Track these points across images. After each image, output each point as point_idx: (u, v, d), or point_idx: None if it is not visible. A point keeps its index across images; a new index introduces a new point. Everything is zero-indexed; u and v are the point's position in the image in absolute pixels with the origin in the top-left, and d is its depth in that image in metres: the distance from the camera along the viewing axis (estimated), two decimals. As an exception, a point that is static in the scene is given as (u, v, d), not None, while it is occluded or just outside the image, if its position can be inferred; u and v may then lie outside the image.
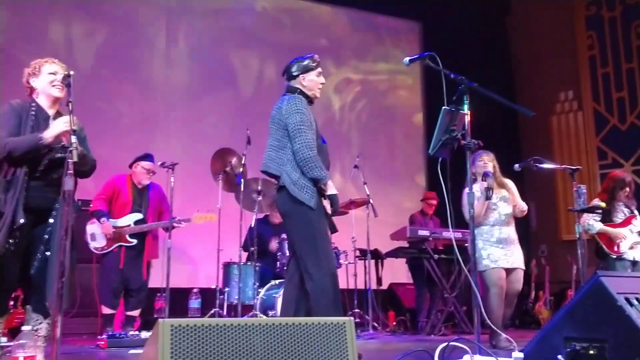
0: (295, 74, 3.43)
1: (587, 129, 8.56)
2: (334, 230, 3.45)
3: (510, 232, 4.55)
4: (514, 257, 4.50)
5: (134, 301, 5.09)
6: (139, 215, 5.16)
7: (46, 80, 3.25)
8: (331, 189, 3.35)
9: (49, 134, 3.01)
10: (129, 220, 5.11)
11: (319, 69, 3.45)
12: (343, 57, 8.71)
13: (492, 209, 4.53)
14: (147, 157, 5.27)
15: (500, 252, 4.45)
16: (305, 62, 3.42)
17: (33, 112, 3.19)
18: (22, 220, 2.96)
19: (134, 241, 5.07)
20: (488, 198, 4.34)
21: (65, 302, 2.56)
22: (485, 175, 4.41)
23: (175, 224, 5.08)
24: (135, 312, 5.15)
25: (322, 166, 3.21)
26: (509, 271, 4.47)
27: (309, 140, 3.18)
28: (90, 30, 7.12)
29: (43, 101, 3.27)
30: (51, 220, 3.02)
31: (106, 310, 5.03)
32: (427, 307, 6.47)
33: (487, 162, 4.55)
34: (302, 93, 3.39)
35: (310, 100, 3.43)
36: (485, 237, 4.49)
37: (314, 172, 3.18)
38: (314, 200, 3.18)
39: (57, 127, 3.01)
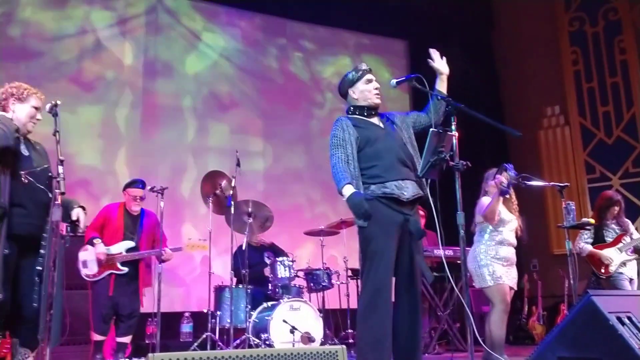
0: (344, 92, 3.54)
1: (575, 144, 8.63)
2: (419, 235, 3.31)
3: (513, 253, 4.59)
4: (511, 276, 4.54)
5: (124, 327, 5.02)
6: (131, 243, 5.09)
7: (28, 113, 3.23)
8: (399, 190, 3.23)
9: None
10: (120, 247, 5.04)
11: (367, 76, 3.47)
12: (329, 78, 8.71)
13: (504, 226, 4.57)
14: (135, 183, 5.24)
15: (503, 270, 4.48)
16: (349, 76, 3.51)
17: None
18: (6, 251, 2.92)
19: (125, 269, 5.00)
20: (502, 194, 4.41)
21: (54, 338, 2.50)
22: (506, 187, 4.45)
23: (167, 255, 5.05)
24: (126, 339, 5.08)
25: (344, 176, 3.18)
26: None
27: (336, 157, 3.27)
28: (70, 46, 7.08)
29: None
30: (42, 251, 2.95)
31: (97, 337, 4.96)
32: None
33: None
34: (356, 107, 3.46)
35: (366, 109, 3.45)
36: (491, 254, 4.50)
37: (338, 185, 3.23)
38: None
39: None
